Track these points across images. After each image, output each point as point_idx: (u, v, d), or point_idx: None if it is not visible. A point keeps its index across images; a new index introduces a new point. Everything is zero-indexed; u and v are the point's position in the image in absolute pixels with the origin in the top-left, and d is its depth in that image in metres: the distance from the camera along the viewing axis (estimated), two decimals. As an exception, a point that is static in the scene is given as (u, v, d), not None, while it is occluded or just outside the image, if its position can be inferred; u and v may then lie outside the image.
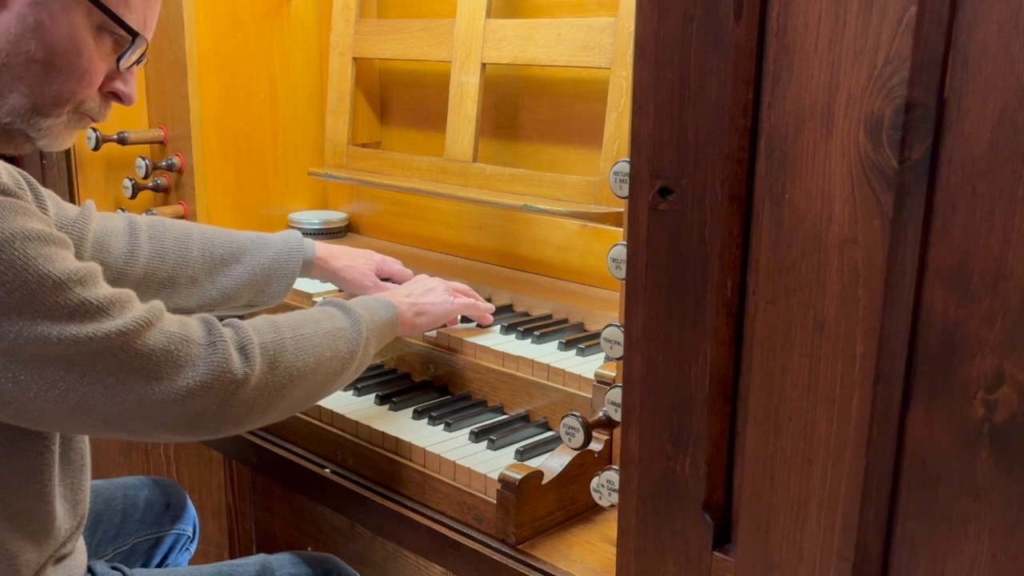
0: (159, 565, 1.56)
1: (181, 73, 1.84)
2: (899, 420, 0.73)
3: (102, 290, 0.97)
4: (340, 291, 1.66)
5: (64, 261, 0.94)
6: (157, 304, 1.02)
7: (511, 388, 1.42)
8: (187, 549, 1.61)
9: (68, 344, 0.92)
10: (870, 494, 0.75)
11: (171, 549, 1.58)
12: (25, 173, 1.08)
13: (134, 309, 0.98)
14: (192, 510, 1.62)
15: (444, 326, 1.51)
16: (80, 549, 1.20)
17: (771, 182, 0.76)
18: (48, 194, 1.25)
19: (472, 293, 1.56)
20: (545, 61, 1.61)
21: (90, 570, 1.24)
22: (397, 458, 1.31)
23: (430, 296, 1.43)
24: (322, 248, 1.55)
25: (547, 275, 1.76)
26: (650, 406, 0.88)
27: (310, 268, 1.53)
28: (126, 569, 1.29)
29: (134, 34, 1.06)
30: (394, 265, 1.64)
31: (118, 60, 1.08)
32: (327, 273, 1.56)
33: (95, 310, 0.94)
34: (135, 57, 1.09)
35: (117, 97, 1.10)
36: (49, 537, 1.09)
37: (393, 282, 1.63)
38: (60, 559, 1.14)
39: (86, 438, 1.17)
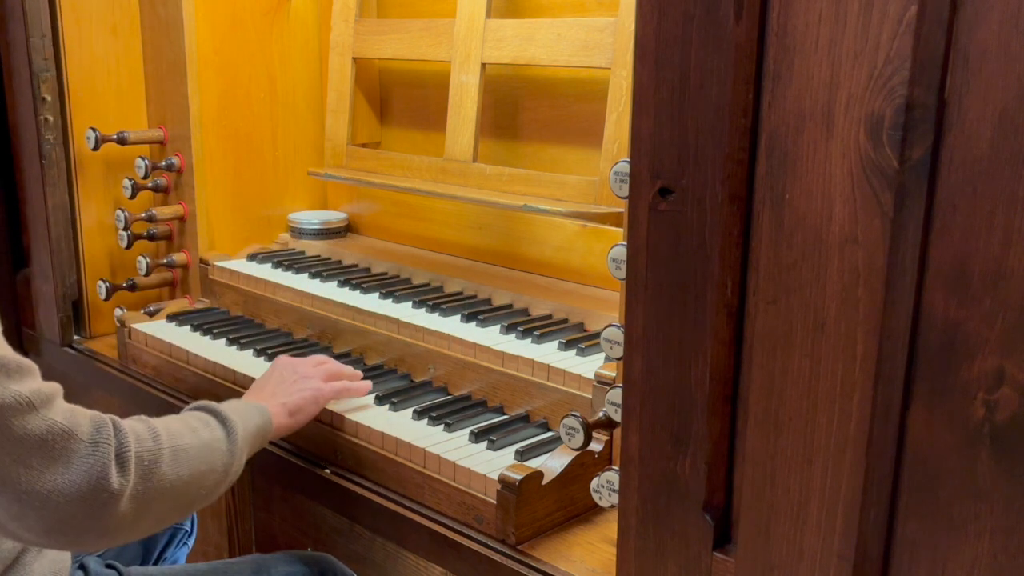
0: (157, 558, 1.56)
1: (180, 73, 1.84)
2: (899, 420, 0.73)
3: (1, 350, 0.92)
4: None
5: None
6: (53, 387, 0.97)
7: (511, 388, 1.41)
8: (185, 543, 1.61)
9: None
10: (870, 494, 0.75)
11: (169, 543, 1.57)
12: None
13: (25, 384, 0.93)
14: (190, 504, 1.61)
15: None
16: None
17: (771, 182, 0.75)
18: None
19: (342, 368, 1.46)
20: (545, 61, 1.61)
21: (83, 567, 1.23)
22: (397, 458, 1.31)
23: (301, 385, 1.35)
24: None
25: (547, 275, 1.76)
26: (650, 406, 0.87)
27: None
28: (121, 567, 1.28)
29: None
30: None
31: None
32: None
33: None
34: None
35: None
36: None
37: None
38: (42, 548, 1.12)
39: None
